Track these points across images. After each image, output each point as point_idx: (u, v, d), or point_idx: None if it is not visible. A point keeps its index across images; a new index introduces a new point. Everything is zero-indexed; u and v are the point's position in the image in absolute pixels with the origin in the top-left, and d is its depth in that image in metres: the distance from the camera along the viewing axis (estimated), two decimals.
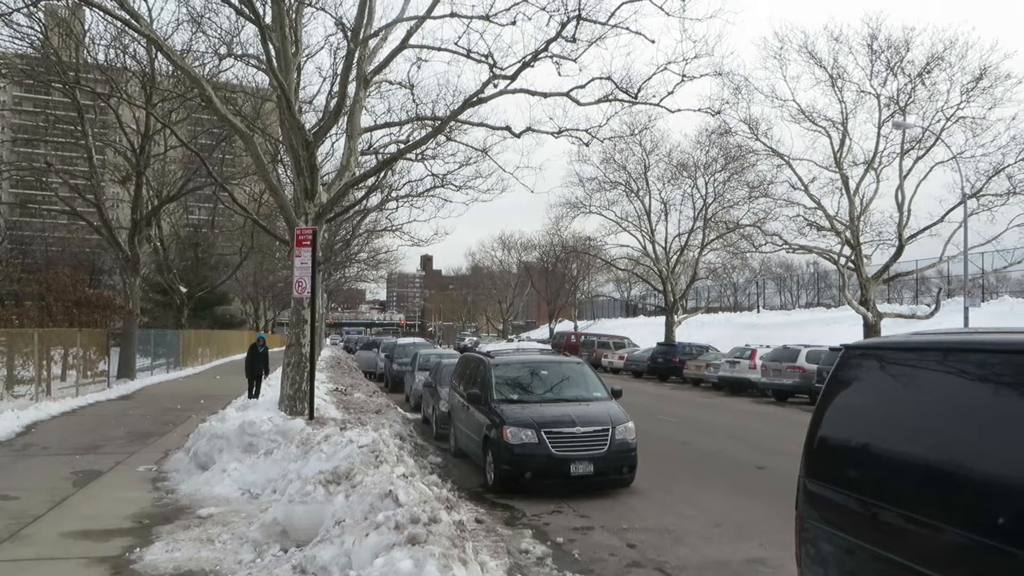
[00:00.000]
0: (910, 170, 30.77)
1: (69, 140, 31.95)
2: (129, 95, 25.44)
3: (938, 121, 29.94)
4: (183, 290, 39.20)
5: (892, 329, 27.48)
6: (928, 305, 34.86)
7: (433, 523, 6.02)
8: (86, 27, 26.63)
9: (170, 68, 23.70)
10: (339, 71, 16.24)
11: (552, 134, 16.57)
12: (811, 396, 23.41)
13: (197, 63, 22.03)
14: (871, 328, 30.26)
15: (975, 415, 3.24)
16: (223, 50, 19.92)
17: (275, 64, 13.76)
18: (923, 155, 30.62)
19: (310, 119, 20.54)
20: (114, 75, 25.01)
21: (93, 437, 14.05)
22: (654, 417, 18.83)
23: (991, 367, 3.29)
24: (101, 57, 25.41)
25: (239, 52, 19.47)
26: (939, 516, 3.23)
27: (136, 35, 17.27)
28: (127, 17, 13.23)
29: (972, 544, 3.03)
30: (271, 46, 13.82)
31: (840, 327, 36.02)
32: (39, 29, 23.65)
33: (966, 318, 25.94)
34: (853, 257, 31.85)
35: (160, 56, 21.74)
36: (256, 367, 18.94)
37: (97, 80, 26.14)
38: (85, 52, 25.82)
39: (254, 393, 18.69)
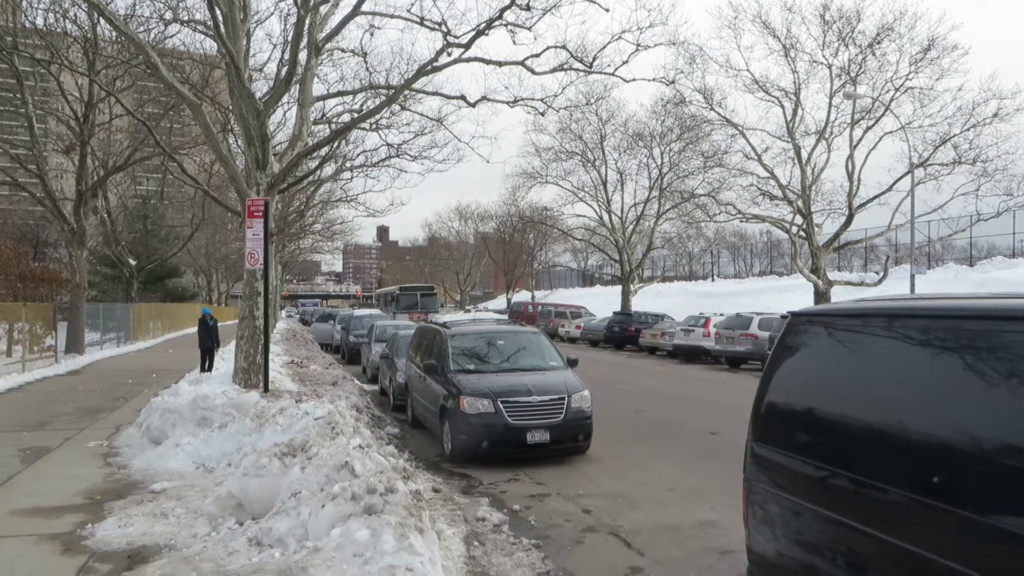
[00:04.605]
0: (860, 140, 31.35)
1: (8, 108, 30.74)
2: (70, 62, 24.59)
3: (887, 92, 30.48)
4: (132, 263, 38.35)
5: (842, 296, 28.09)
6: (876, 273, 35.68)
7: (390, 493, 6.03)
8: None
9: (113, 34, 22.92)
10: (290, 38, 15.87)
11: (508, 103, 16.50)
12: (763, 363, 23.81)
13: (141, 28, 21.31)
14: (821, 295, 30.89)
15: (917, 379, 3.33)
16: (168, 15, 19.31)
17: (223, 30, 13.39)
18: (872, 125, 31.18)
19: (261, 87, 20.11)
20: (54, 40, 24.13)
21: (41, 413, 13.75)
22: (610, 385, 19.05)
23: (933, 332, 3.38)
24: (40, 22, 24.49)
25: (185, 17, 18.89)
26: (882, 477, 3.33)
27: None
28: None
29: (913, 503, 3.13)
30: (218, 11, 13.43)
31: (792, 295, 36.69)
32: None
33: (912, 285, 26.64)
34: (805, 226, 32.40)
35: (102, 21, 21.00)
36: (207, 341, 18.71)
37: (36, 46, 25.18)
38: (23, 16, 24.83)
39: (207, 367, 18.46)
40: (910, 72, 29.82)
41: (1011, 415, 2.81)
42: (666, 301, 49.25)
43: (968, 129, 29.26)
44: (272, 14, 55.93)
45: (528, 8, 14.60)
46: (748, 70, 32.94)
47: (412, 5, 14.80)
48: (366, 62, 17.89)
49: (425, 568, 5.26)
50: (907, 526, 3.16)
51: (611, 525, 7.69)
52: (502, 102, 16.51)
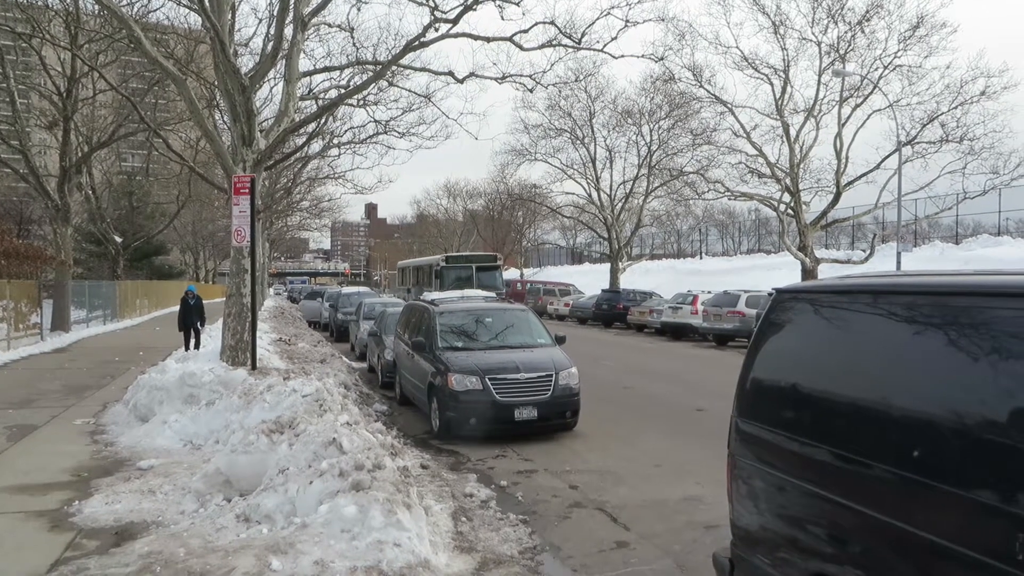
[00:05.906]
0: (848, 118, 31.34)
1: None
2: (52, 35, 24.21)
3: (876, 69, 30.44)
4: (118, 240, 38.08)
5: (828, 274, 28.15)
6: (863, 251, 35.85)
7: (377, 469, 6.05)
8: None
9: (95, 7, 22.57)
10: (275, 12, 15.69)
11: (496, 80, 16.40)
12: (750, 340, 24.02)
13: (124, 2, 20.99)
14: (808, 273, 31.01)
15: (902, 355, 3.35)
16: None
17: (207, 4, 13.20)
18: (861, 103, 31.17)
19: (246, 62, 19.91)
20: (35, 14, 23.72)
21: (27, 391, 13.69)
22: (598, 362, 19.12)
23: (918, 309, 3.39)
24: None
25: None
26: (866, 452, 3.36)
27: None
28: None
29: (896, 478, 3.16)
30: None
31: (780, 273, 36.75)
32: None
33: (898, 263, 26.78)
34: (792, 204, 32.46)
35: None
36: (190, 319, 18.58)
37: (17, 19, 24.79)
38: None
39: (192, 346, 18.37)
40: (899, 50, 29.81)
41: (994, 391, 2.84)
42: (654, 279, 49.32)
43: (956, 107, 29.32)
44: None
45: None
46: (737, 47, 32.91)
47: None
48: (353, 37, 17.75)
49: (413, 543, 5.29)
50: (889, 500, 3.19)
51: (598, 500, 7.75)
52: (490, 78, 16.43)
